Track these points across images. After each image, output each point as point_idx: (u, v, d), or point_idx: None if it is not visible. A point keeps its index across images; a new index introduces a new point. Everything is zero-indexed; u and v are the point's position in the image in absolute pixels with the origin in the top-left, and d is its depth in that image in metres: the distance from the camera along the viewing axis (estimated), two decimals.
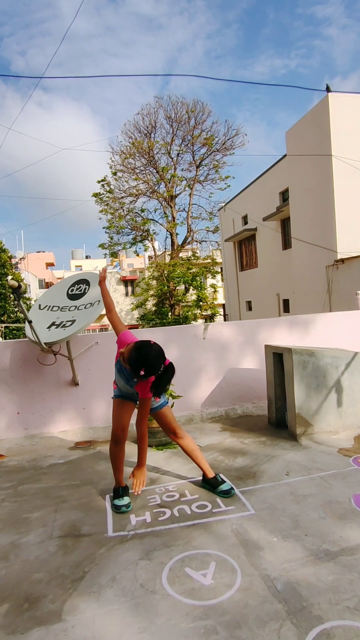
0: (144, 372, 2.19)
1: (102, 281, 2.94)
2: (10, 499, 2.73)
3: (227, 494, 2.55)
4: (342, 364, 3.55)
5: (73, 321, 3.54)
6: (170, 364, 2.39)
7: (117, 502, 2.48)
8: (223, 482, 2.64)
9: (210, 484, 2.64)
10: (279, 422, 3.81)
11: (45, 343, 3.36)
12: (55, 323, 3.62)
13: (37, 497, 2.73)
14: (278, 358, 3.77)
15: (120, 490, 2.55)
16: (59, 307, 3.84)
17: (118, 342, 2.64)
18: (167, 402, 2.71)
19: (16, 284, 2.84)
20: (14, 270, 29.13)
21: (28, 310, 3.46)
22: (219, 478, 2.66)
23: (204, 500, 2.52)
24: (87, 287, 3.83)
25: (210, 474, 2.66)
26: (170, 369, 2.36)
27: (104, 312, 3.04)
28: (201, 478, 2.77)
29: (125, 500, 2.49)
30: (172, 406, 3.24)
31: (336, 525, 2.17)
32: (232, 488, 2.59)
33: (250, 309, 18.68)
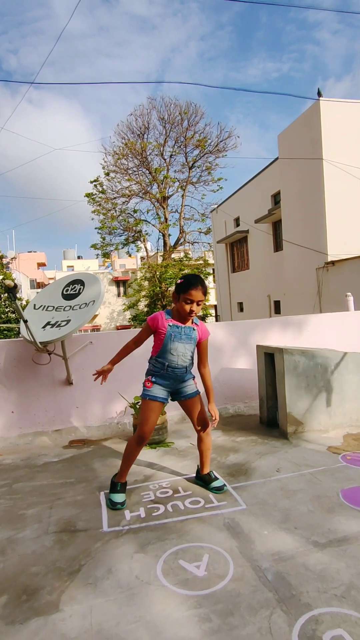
0: (200, 282, 2.45)
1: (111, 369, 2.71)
2: (5, 496, 2.76)
3: (220, 490, 2.61)
4: (332, 364, 3.64)
5: (68, 321, 3.58)
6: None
7: (114, 497, 2.51)
8: (216, 478, 2.70)
9: (203, 480, 2.71)
10: (270, 421, 3.88)
11: (40, 342, 3.40)
12: (50, 323, 3.66)
13: (32, 494, 2.77)
14: (269, 358, 3.85)
15: (119, 486, 2.57)
16: (53, 307, 3.87)
17: (151, 322, 2.54)
18: (199, 392, 2.71)
19: (12, 284, 2.88)
20: (4, 270, 28.99)
21: (23, 309, 3.49)
22: (212, 475, 2.72)
23: (197, 496, 2.58)
24: (81, 287, 3.87)
25: (206, 471, 2.73)
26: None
27: (98, 312, 3.08)
28: (194, 475, 2.84)
29: (122, 497, 2.52)
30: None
31: (325, 518, 2.24)
32: (224, 485, 2.65)
33: (241, 310, 18.81)
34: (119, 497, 2.51)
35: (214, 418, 2.65)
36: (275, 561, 1.89)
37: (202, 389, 2.74)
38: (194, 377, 2.70)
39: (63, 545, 2.13)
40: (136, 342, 2.61)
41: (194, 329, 2.56)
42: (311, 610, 1.59)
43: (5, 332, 22.68)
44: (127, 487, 2.69)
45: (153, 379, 2.58)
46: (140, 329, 2.70)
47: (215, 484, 2.65)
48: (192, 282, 2.45)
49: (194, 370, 2.72)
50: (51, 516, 2.44)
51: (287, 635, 1.47)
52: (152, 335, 2.58)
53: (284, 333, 4.58)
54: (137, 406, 3.58)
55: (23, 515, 2.47)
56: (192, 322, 2.57)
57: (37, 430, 3.93)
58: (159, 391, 2.56)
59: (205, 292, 2.50)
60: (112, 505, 2.48)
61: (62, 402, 4.01)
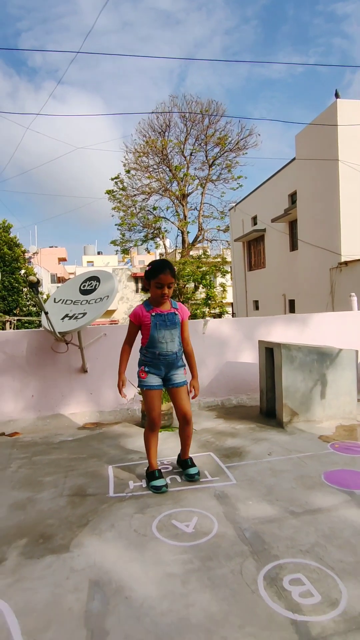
0: (167, 266, 2.57)
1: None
2: (26, 466, 3.14)
3: (192, 477, 2.74)
4: (328, 360, 3.89)
5: (84, 314, 3.93)
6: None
7: (155, 483, 2.63)
8: (193, 465, 2.82)
9: (182, 465, 2.88)
10: (269, 411, 4.16)
11: (59, 332, 3.76)
12: (69, 315, 4.02)
13: (49, 466, 3.13)
14: (270, 353, 4.12)
15: (156, 473, 2.70)
16: (72, 300, 4.24)
17: (134, 317, 2.70)
18: (187, 383, 2.82)
19: (35, 279, 3.24)
20: (27, 264, 29.72)
21: (44, 303, 3.86)
22: (189, 462, 2.84)
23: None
24: (97, 283, 4.22)
25: (186, 457, 2.87)
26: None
27: (111, 307, 3.40)
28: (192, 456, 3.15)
29: (163, 481, 2.65)
30: None
31: (304, 493, 2.53)
32: (198, 472, 2.77)
33: (257, 308, 18.97)
34: (159, 482, 2.64)
35: (194, 393, 2.80)
36: (254, 524, 2.19)
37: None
38: (184, 366, 2.83)
39: (74, 505, 2.48)
40: (129, 342, 2.77)
41: (175, 314, 2.68)
42: (278, 560, 1.89)
43: (27, 324, 23.40)
44: (133, 463, 3.03)
45: (146, 369, 2.70)
46: (128, 328, 2.79)
47: (190, 470, 2.78)
48: (159, 267, 2.57)
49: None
50: (65, 483, 2.79)
51: (254, 577, 1.78)
52: (140, 328, 2.72)
53: (287, 330, 4.84)
54: None
55: (41, 481, 2.84)
56: (172, 307, 2.70)
57: (54, 413, 4.31)
58: (153, 379, 2.70)
59: (174, 275, 2.59)
60: (157, 490, 2.59)
61: (77, 388, 4.38)
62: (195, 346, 4.60)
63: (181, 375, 2.78)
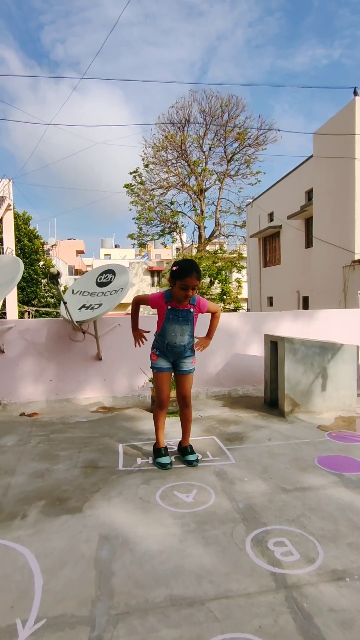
0: (194, 269, 2.63)
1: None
2: (44, 442, 3.43)
3: (191, 463, 2.87)
4: (329, 354, 4.08)
5: (100, 304, 4.20)
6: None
7: (161, 460, 2.83)
8: (192, 453, 2.94)
9: (181, 452, 3.00)
10: (273, 402, 4.37)
11: (76, 321, 4.04)
12: (85, 305, 4.29)
13: (65, 442, 3.42)
14: (274, 346, 4.33)
15: (162, 450, 2.89)
16: (89, 292, 4.51)
17: (151, 302, 2.87)
18: (194, 371, 2.99)
19: (56, 271, 3.51)
20: (45, 256, 30.24)
21: (63, 294, 4.14)
22: (188, 449, 2.97)
23: (197, 453, 3.14)
24: (112, 276, 4.48)
25: (186, 444, 2.99)
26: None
27: (127, 301, 3.60)
28: (193, 441, 3.39)
29: (168, 459, 2.85)
30: None
31: (297, 474, 2.75)
32: (196, 460, 2.89)
33: (271, 304, 19.05)
34: (165, 459, 2.84)
35: (200, 346, 3.00)
36: (248, 497, 2.43)
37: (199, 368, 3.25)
38: (194, 356, 2.97)
39: (87, 475, 2.76)
40: (139, 302, 3.00)
41: (191, 311, 2.79)
42: (265, 527, 2.12)
43: (44, 315, 23.96)
44: (142, 443, 3.29)
45: (157, 352, 2.89)
46: (145, 295, 2.99)
47: (190, 457, 2.90)
48: (187, 270, 2.62)
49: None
50: (79, 457, 3.07)
51: (243, 538, 2.02)
52: (157, 311, 2.88)
53: (294, 325, 5.03)
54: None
55: (58, 455, 3.13)
56: (190, 303, 2.78)
57: (71, 397, 4.60)
58: (163, 362, 2.89)
59: (199, 277, 2.65)
60: (162, 467, 2.80)
61: (92, 374, 4.66)
62: None
63: (189, 364, 2.94)
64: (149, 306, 2.93)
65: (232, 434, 3.56)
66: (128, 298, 4.25)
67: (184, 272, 2.62)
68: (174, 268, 2.67)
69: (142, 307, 3.20)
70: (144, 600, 1.61)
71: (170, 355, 2.90)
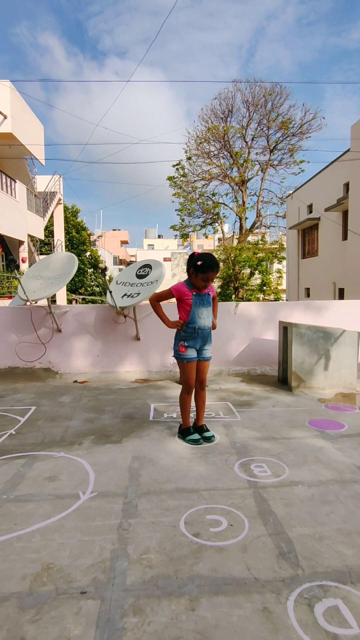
0: (216, 264, 2.99)
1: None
2: (92, 401, 4.37)
3: (209, 439, 3.18)
4: (332, 338, 4.72)
5: (139, 293, 5.06)
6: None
7: (192, 437, 3.16)
8: (208, 430, 3.28)
9: (197, 430, 3.27)
10: (284, 379, 5.08)
11: (119, 307, 4.93)
12: (127, 294, 5.17)
13: (109, 402, 4.33)
14: (285, 331, 5.01)
15: (191, 429, 3.23)
16: (130, 283, 5.39)
17: (176, 292, 3.11)
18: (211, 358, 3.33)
19: (104, 266, 4.40)
20: (92, 247, 31.76)
21: (109, 283, 5.03)
22: (204, 427, 3.30)
23: (210, 411, 3.94)
24: (149, 270, 5.33)
25: (200, 423, 3.32)
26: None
27: (157, 291, 4.35)
28: (209, 405, 4.18)
29: (197, 435, 3.18)
30: None
31: (287, 430, 3.48)
32: (213, 436, 3.23)
33: (308, 295, 19.29)
34: (195, 436, 3.17)
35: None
36: (244, 440, 3.21)
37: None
38: (212, 343, 3.29)
39: (125, 422, 3.64)
40: (159, 299, 3.23)
41: (209, 294, 3.16)
42: (252, 456, 2.90)
43: (90, 302, 25.49)
44: (169, 404, 4.13)
45: (186, 344, 3.13)
46: (162, 291, 3.22)
47: (207, 433, 3.23)
48: (210, 266, 2.96)
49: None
50: (120, 411, 3.97)
51: (234, 462, 2.80)
52: (177, 304, 3.15)
53: (306, 314, 5.67)
54: None
55: (103, 409, 4.04)
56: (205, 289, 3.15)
57: (113, 370, 5.53)
58: (191, 352, 3.15)
59: (218, 271, 3.01)
60: (195, 442, 3.12)
61: (132, 351, 5.56)
62: (226, 323, 5.62)
63: (210, 350, 3.26)
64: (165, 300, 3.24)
65: (243, 402, 4.33)
66: (161, 288, 5.07)
67: (209, 267, 2.98)
68: (199, 263, 2.98)
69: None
70: (159, 488, 2.46)
71: (199, 342, 3.17)
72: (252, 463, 2.80)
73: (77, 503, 2.29)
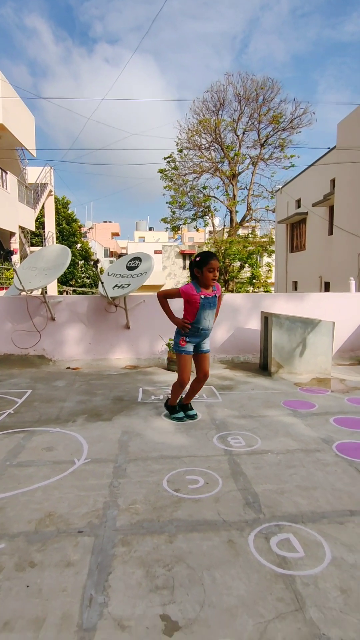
0: (214, 254, 3.16)
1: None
2: (85, 385, 4.67)
3: (192, 417, 3.51)
4: (309, 327, 5.07)
5: (129, 284, 5.35)
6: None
7: (176, 415, 3.49)
8: (192, 409, 3.60)
9: (183, 407, 3.58)
10: (264, 365, 5.43)
11: (111, 297, 5.22)
12: (118, 285, 5.46)
13: (100, 386, 4.64)
14: (266, 320, 5.35)
15: (177, 407, 3.54)
16: (120, 274, 5.67)
17: (183, 294, 3.18)
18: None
19: (96, 258, 4.67)
20: (82, 239, 31.78)
21: (101, 274, 5.31)
22: (189, 406, 3.60)
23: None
24: (139, 262, 5.62)
25: (186, 402, 3.59)
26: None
27: (159, 282, 4.66)
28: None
29: (181, 413, 3.52)
30: None
31: (263, 409, 3.83)
32: (196, 414, 3.56)
33: (295, 289, 19.71)
34: (179, 414, 3.51)
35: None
36: (222, 419, 3.55)
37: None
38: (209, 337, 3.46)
39: (115, 404, 3.96)
40: (166, 296, 3.32)
41: (215, 296, 3.24)
42: (230, 431, 3.23)
43: (80, 294, 25.65)
44: (156, 387, 4.45)
45: (187, 339, 3.30)
46: (171, 289, 3.36)
47: (191, 412, 3.55)
48: (209, 255, 3.09)
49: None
50: (110, 394, 4.28)
51: (213, 435, 3.14)
52: (183, 303, 3.23)
53: (287, 304, 6.01)
54: (171, 346, 5.29)
55: (95, 392, 4.35)
56: (212, 290, 3.23)
57: (104, 357, 5.83)
58: (190, 347, 3.34)
59: (217, 258, 3.13)
60: (179, 420, 3.43)
61: (122, 339, 5.86)
62: None
63: (208, 343, 3.45)
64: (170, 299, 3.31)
65: (225, 386, 4.67)
66: (162, 281, 5.36)
67: (208, 256, 3.12)
68: (197, 258, 3.12)
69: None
70: (145, 456, 2.78)
71: (199, 338, 3.34)
72: (229, 436, 3.14)
73: (73, 467, 2.60)
